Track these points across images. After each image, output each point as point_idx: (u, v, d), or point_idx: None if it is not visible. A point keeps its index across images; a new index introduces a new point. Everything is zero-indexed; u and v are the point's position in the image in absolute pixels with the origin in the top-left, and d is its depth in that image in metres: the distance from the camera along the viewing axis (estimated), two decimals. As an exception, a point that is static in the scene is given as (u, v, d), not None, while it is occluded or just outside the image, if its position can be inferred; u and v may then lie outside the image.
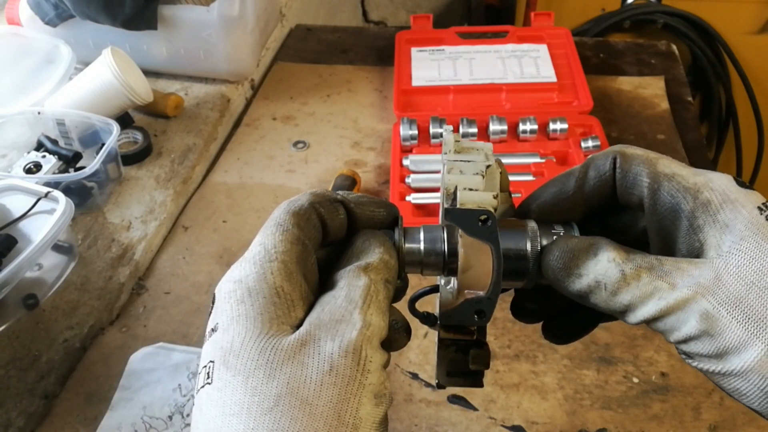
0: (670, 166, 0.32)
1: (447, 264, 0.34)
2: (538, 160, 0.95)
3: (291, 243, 0.32)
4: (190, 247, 0.87)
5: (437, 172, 0.93)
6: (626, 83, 1.14)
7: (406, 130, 0.97)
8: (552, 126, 0.98)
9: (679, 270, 0.30)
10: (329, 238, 0.35)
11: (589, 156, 0.35)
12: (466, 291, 0.32)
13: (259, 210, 0.92)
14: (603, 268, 0.31)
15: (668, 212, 0.32)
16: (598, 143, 0.95)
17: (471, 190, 0.34)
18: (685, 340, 0.30)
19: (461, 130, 0.98)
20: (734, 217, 0.30)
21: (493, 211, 0.33)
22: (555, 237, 0.34)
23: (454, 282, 0.34)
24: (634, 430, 0.66)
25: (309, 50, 1.27)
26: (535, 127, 0.98)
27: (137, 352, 0.73)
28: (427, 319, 0.37)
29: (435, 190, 0.91)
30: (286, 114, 1.10)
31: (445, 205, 0.34)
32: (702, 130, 1.83)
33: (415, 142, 0.97)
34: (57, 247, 0.79)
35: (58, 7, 1.03)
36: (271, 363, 0.28)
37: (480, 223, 0.32)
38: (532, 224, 0.34)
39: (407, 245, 0.34)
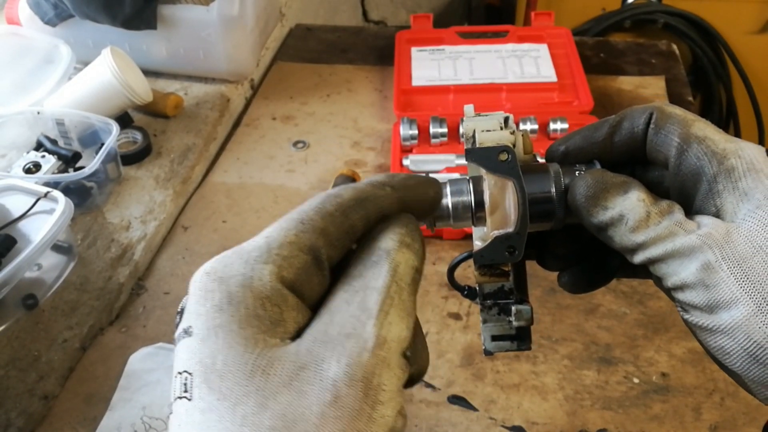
0: (704, 129, 0.32)
1: (475, 214, 0.34)
2: (538, 160, 0.94)
3: (300, 250, 0.28)
4: (189, 247, 0.87)
5: (437, 171, 0.93)
6: (627, 83, 1.14)
7: (406, 130, 0.97)
8: (552, 126, 0.98)
9: (696, 223, 0.30)
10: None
11: (627, 108, 0.35)
12: (496, 232, 0.33)
13: (258, 210, 0.91)
14: (631, 204, 0.31)
15: (691, 174, 0.32)
16: (599, 143, 0.95)
17: (488, 131, 0.35)
18: (681, 287, 0.30)
19: (461, 129, 0.97)
20: (755, 186, 0.30)
21: (511, 146, 0.33)
22: (578, 173, 0.34)
23: (485, 229, 0.35)
24: (635, 431, 0.66)
25: (309, 50, 1.27)
26: (536, 126, 0.97)
27: (137, 352, 0.73)
28: (468, 292, 0.37)
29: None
30: (286, 114, 1.10)
31: (465, 147, 0.35)
32: (702, 129, 1.82)
33: (415, 141, 0.97)
34: (56, 247, 0.79)
35: (58, 6, 1.03)
36: (262, 390, 0.25)
37: (500, 160, 0.33)
38: (554, 166, 0.35)
39: None
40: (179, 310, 0.29)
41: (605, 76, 1.15)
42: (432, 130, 0.97)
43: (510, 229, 0.32)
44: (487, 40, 1.17)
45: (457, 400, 0.69)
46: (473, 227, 0.36)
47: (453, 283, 0.37)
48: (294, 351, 0.26)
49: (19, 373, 0.70)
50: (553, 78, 1.08)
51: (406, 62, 1.12)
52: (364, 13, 1.92)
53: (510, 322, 0.36)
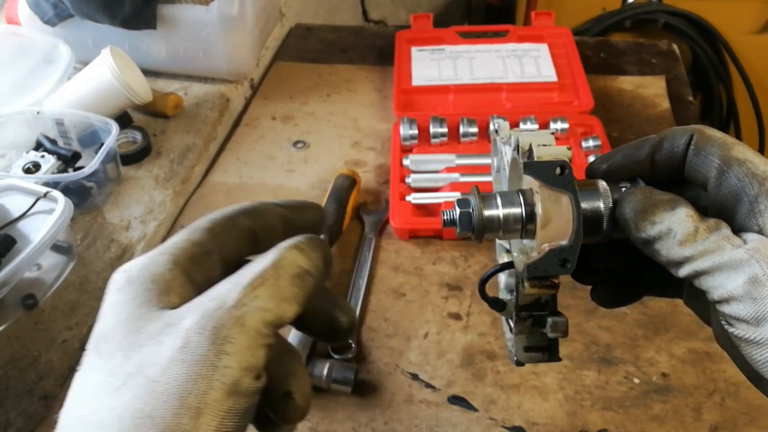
0: (744, 152, 0.33)
1: (525, 226, 0.35)
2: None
3: (192, 243, 0.32)
4: (189, 247, 0.86)
5: (437, 171, 0.93)
6: (627, 83, 1.14)
7: (406, 130, 0.97)
8: (553, 126, 0.98)
9: (743, 239, 0.32)
10: (263, 244, 0.35)
11: (669, 128, 0.37)
12: (545, 245, 0.34)
13: (258, 210, 0.91)
14: (679, 219, 0.32)
15: (731, 194, 0.33)
16: (599, 143, 0.95)
17: (546, 146, 0.35)
18: (728, 299, 0.31)
19: (461, 129, 0.97)
20: None
21: (568, 161, 0.34)
22: (624, 189, 0.36)
23: (528, 242, 0.35)
24: (635, 431, 0.66)
25: (309, 49, 1.27)
26: (536, 126, 0.97)
27: (136, 352, 0.72)
28: (496, 304, 0.38)
29: (435, 190, 0.90)
30: (286, 114, 1.10)
31: (522, 161, 0.35)
32: (703, 129, 1.82)
33: (416, 141, 0.97)
34: (56, 247, 0.79)
35: (57, 6, 1.03)
36: (132, 345, 0.28)
37: (556, 174, 0.33)
38: (602, 183, 0.36)
39: (486, 212, 0.35)
40: None
41: (606, 76, 1.15)
42: (432, 130, 0.97)
43: (564, 242, 0.33)
44: (487, 39, 1.17)
45: (457, 400, 0.68)
46: (511, 241, 0.37)
47: (483, 295, 0.38)
48: (168, 314, 0.29)
49: (18, 373, 0.70)
50: (554, 78, 1.08)
51: (406, 62, 1.12)
52: (364, 13, 1.92)
53: (543, 333, 0.37)
